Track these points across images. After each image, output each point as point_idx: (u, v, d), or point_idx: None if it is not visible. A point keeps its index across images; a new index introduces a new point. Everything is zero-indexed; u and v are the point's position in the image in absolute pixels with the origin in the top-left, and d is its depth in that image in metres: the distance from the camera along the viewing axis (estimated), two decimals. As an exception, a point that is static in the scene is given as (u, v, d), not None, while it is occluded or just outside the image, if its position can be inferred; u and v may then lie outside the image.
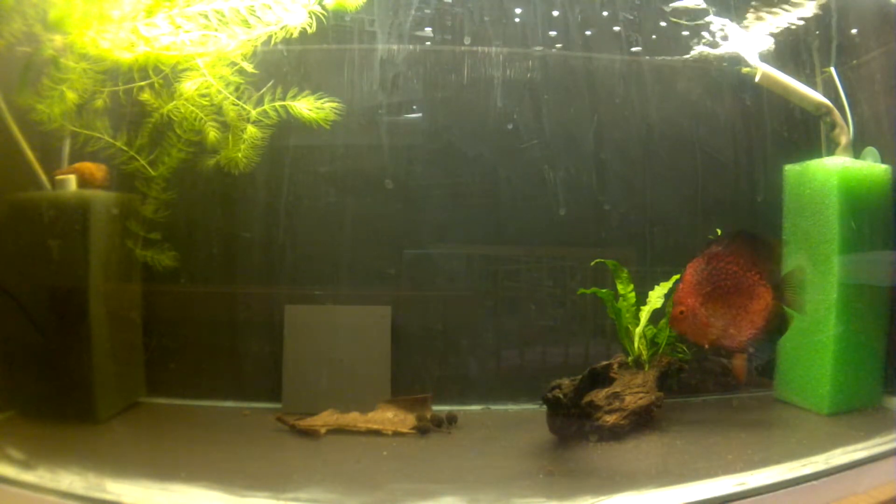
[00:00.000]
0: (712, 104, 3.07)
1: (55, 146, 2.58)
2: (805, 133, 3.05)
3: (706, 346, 2.34)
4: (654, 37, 2.99)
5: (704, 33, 2.92)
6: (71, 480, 1.85)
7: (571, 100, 2.98)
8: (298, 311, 2.75)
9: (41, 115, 2.37)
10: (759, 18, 2.96)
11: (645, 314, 2.69)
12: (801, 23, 2.98)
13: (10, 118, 2.43)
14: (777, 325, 2.34)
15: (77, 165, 2.55)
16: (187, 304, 2.80)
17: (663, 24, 2.96)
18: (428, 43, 2.83)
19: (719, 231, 2.61)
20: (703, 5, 2.89)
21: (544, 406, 2.36)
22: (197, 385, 2.77)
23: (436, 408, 2.63)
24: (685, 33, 2.94)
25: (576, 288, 2.84)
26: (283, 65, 2.62)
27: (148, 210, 2.59)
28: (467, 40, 2.86)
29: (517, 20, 2.90)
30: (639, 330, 2.70)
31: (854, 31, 3.00)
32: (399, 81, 2.84)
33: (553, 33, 2.92)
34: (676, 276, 2.55)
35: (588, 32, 2.95)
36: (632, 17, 2.96)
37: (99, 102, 2.45)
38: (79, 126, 2.49)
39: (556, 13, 2.91)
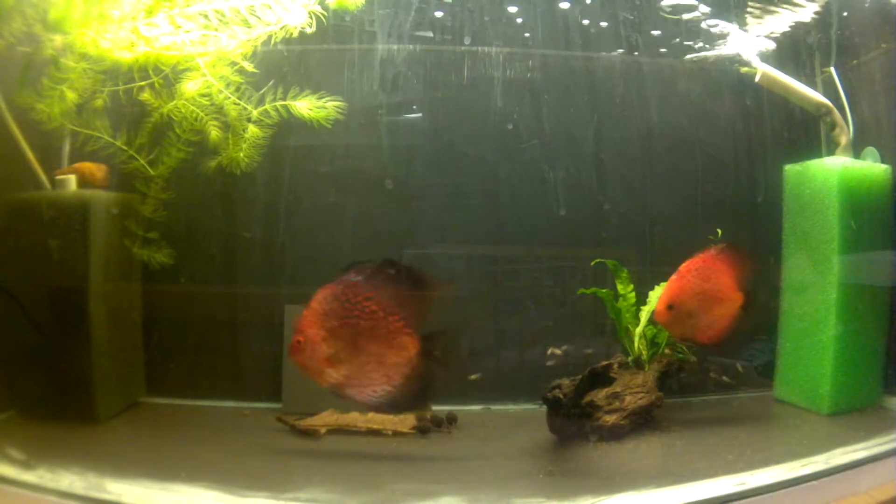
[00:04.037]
0: (712, 104, 3.07)
1: (55, 146, 2.58)
2: (805, 133, 3.05)
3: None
4: (654, 35, 2.99)
5: (696, 28, 2.92)
6: (71, 480, 1.85)
7: (571, 100, 2.98)
8: (298, 311, 2.74)
9: (41, 115, 2.37)
10: (759, 18, 2.96)
11: (645, 314, 2.69)
12: (801, 23, 2.98)
13: (10, 118, 2.43)
14: (418, 386, 1.97)
15: (77, 165, 2.55)
16: (187, 303, 2.80)
17: (660, 26, 2.97)
18: (428, 43, 2.83)
19: (720, 231, 2.62)
20: (695, 1, 2.89)
21: (544, 406, 2.37)
22: (197, 385, 2.77)
23: (436, 408, 2.63)
24: (678, 29, 2.94)
25: (576, 288, 2.84)
26: (283, 65, 2.62)
27: (147, 210, 2.59)
28: (467, 40, 2.86)
29: (517, 20, 2.91)
30: (639, 330, 2.70)
31: (854, 31, 3.00)
32: (399, 81, 2.84)
33: (553, 33, 2.92)
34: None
35: (588, 32, 2.95)
36: (632, 17, 2.96)
37: (99, 102, 2.45)
38: (79, 126, 2.49)
39: (556, 13, 2.91)
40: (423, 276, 2.00)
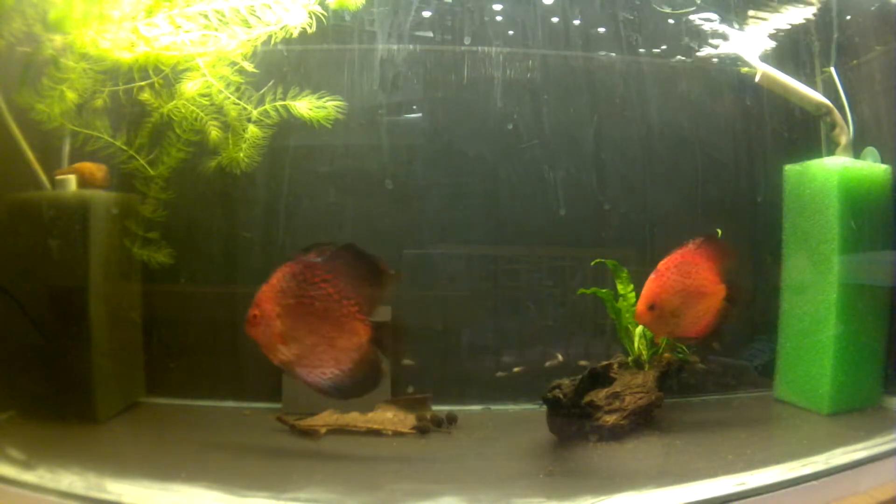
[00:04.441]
0: (712, 104, 3.07)
1: (55, 146, 2.57)
2: (805, 133, 3.05)
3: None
4: (654, 36, 2.99)
5: (695, 28, 2.92)
6: (71, 480, 1.84)
7: (571, 100, 2.98)
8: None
9: (41, 115, 2.37)
10: (759, 18, 2.96)
11: (645, 314, 2.68)
12: (801, 23, 2.98)
13: (10, 118, 2.43)
14: (367, 372, 2.01)
15: (77, 165, 2.55)
16: (187, 303, 2.80)
17: (660, 25, 2.97)
18: (428, 43, 2.83)
19: (720, 231, 2.61)
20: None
21: (544, 406, 2.37)
22: (197, 385, 2.77)
23: (436, 408, 2.63)
24: (678, 28, 2.95)
25: (576, 288, 2.84)
26: (283, 65, 2.62)
27: (147, 210, 2.59)
28: (467, 40, 2.86)
29: (518, 20, 2.90)
30: (639, 330, 2.70)
31: (854, 31, 3.00)
32: (399, 81, 2.84)
33: (553, 33, 2.92)
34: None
35: (588, 32, 2.95)
36: (632, 17, 2.96)
37: (99, 102, 2.45)
38: (79, 126, 2.49)
39: (555, 14, 2.91)
40: (380, 266, 2.03)
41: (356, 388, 2.03)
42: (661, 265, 2.29)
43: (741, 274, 2.54)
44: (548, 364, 2.85)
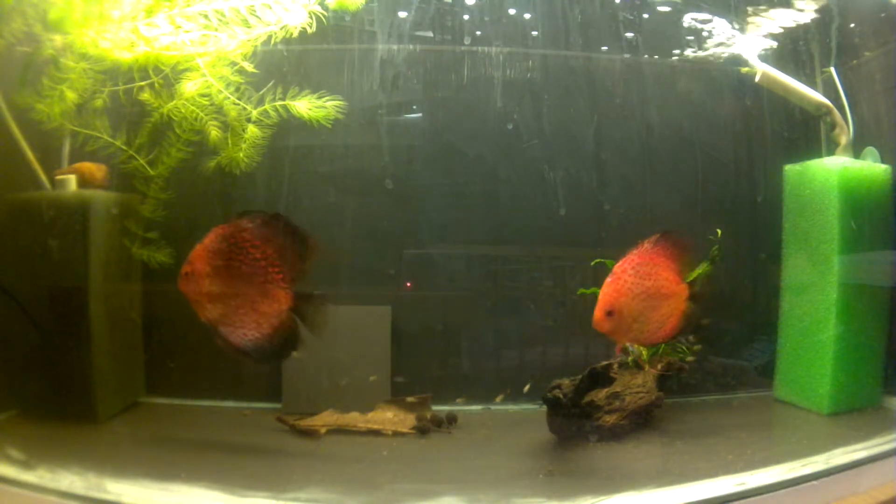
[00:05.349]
0: (712, 104, 3.07)
1: (55, 146, 2.57)
2: (805, 133, 3.05)
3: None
4: (654, 36, 2.99)
5: (689, 23, 2.92)
6: (71, 480, 1.85)
7: (571, 100, 2.98)
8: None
9: (41, 115, 2.37)
10: (759, 18, 2.96)
11: (645, 314, 2.68)
12: (802, 23, 2.98)
13: (10, 118, 2.43)
14: (284, 339, 2.07)
15: (77, 165, 2.55)
16: (187, 303, 2.79)
17: (660, 25, 2.97)
18: (428, 43, 2.83)
19: (719, 231, 2.61)
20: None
21: (544, 406, 2.36)
22: (197, 385, 2.76)
23: (436, 408, 2.63)
24: (678, 28, 2.95)
25: (576, 288, 2.83)
26: (283, 65, 2.62)
27: (147, 210, 2.59)
28: (467, 40, 2.86)
29: (517, 20, 2.90)
30: (639, 330, 2.69)
31: (854, 31, 3.00)
32: (399, 81, 2.84)
33: (553, 33, 2.92)
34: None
35: (588, 32, 2.95)
36: (632, 17, 2.96)
37: (99, 102, 2.45)
38: (79, 126, 2.48)
39: (556, 13, 2.91)
40: (309, 238, 2.09)
41: (274, 352, 2.10)
42: (617, 268, 2.11)
43: (718, 270, 2.51)
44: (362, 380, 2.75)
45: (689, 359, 2.77)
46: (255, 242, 2.04)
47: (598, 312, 2.06)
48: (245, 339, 2.07)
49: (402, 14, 2.78)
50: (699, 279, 2.25)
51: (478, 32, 2.85)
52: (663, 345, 2.72)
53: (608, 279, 2.10)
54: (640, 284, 2.08)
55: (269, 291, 2.04)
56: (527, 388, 2.81)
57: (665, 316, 2.13)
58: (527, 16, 2.90)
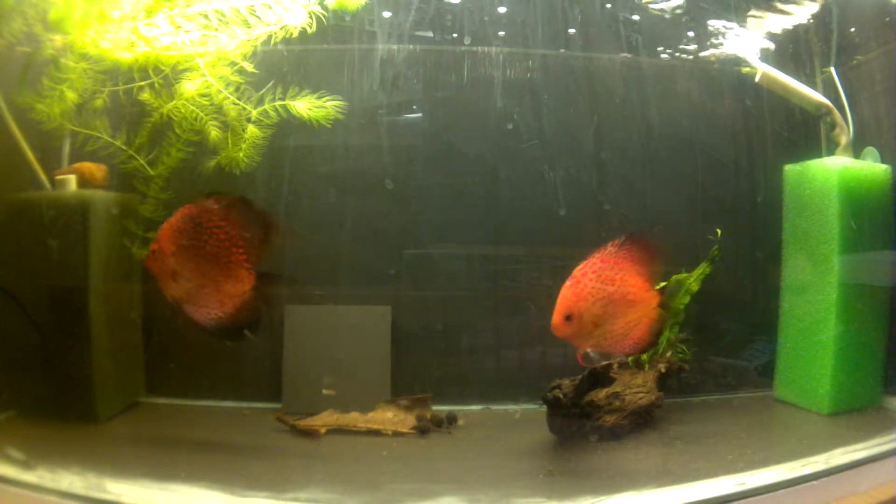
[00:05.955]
0: (712, 104, 3.07)
1: (55, 146, 2.57)
2: (805, 133, 3.05)
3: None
4: (654, 36, 2.99)
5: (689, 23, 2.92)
6: (71, 480, 1.84)
7: (571, 100, 2.98)
8: (298, 311, 2.75)
9: (41, 115, 2.37)
10: (759, 18, 2.96)
11: (645, 314, 2.67)
12: (801, 23, 2.98)
13: (10, 118, 2.43)
14: (247, 318, 2.13)
15: (77, 165, 2.55)
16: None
17: (661, 25, 2.97)
18: (428, 43, 2.83)
19: (719, 231, 2.61)
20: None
21: (544, 406, 2.36)
22: (197, 385, 2.77)
23: (436, 408, 2.63)
24: (678, 28, 2.95)
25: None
26: (283, 65, 2.62)
27: (147, 210, 2.59)
28: (467, 40, 2.86)
29: (517, 20, 2.90)
30: (639, 330, 2.69)
31: (854, 31, 3.00)
32: (399, 81, 2.84)
33: (553, 33, 2.92)
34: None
35: (588, 32, 2.95)
36: (631, 17, 2.95)
37: (99, 102, 2.45)
38: (79, 126, 2.49)
39: (556, 13, 2.91)
40: (272, 221, 2.17)
41: (236, 332, 2.15)
42: (577, 271, 2.03)
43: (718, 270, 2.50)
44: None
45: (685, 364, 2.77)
46: (218, 223, 2.07)
47: (557, 317, 2.00)
48: (209, 319, 2.11)
49: (403, 14, 2.78)
50: (670, 286, 2.23)
51: (480, 31, 2.86)
52: (664, 345, 2.73)
53: (567, 282, 2.03)
54: (601, 289, 2.00)
55: (232, 271, 2.08)
56: (517, 415, 2.78)
57: (632, 323, 2.06)
58: (527, 16, 2.90)
